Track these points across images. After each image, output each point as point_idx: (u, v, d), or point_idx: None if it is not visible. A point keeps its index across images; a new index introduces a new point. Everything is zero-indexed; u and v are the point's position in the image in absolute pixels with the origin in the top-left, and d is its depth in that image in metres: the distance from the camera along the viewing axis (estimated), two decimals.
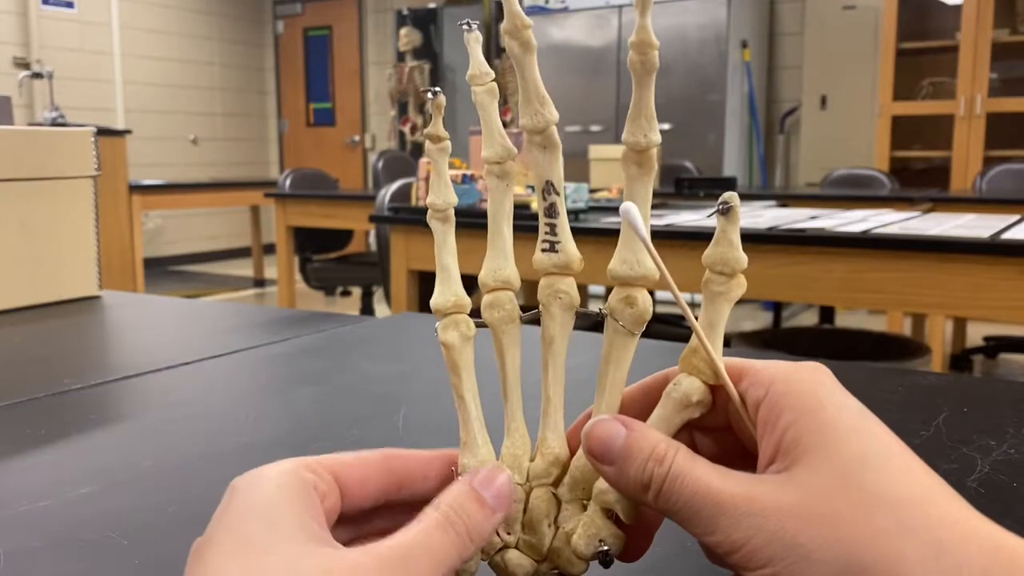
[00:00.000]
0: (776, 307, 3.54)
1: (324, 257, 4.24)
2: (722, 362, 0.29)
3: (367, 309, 4.26)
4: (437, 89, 0.32)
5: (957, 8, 4.51)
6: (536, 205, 0.32)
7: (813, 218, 1.94)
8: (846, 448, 0.25)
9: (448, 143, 0.32)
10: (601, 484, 0.29)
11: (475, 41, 0.31)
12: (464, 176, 1.99)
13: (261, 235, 5.96)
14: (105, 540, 0.38)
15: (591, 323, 0.34)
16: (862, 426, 0.26)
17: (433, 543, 0.26)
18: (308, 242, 4.12)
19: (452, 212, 0.32)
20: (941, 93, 4.68)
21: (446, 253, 0.32)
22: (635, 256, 0.30)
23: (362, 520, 0.30)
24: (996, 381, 2.05)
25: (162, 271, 6.74)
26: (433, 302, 0.32)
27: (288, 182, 4.27)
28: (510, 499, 0.29)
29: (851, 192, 3.46)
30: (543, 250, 0.31)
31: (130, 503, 0.43)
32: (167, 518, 0.41)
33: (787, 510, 0.24)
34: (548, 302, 0.31)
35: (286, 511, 0.26)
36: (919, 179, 4.66)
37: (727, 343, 2.40)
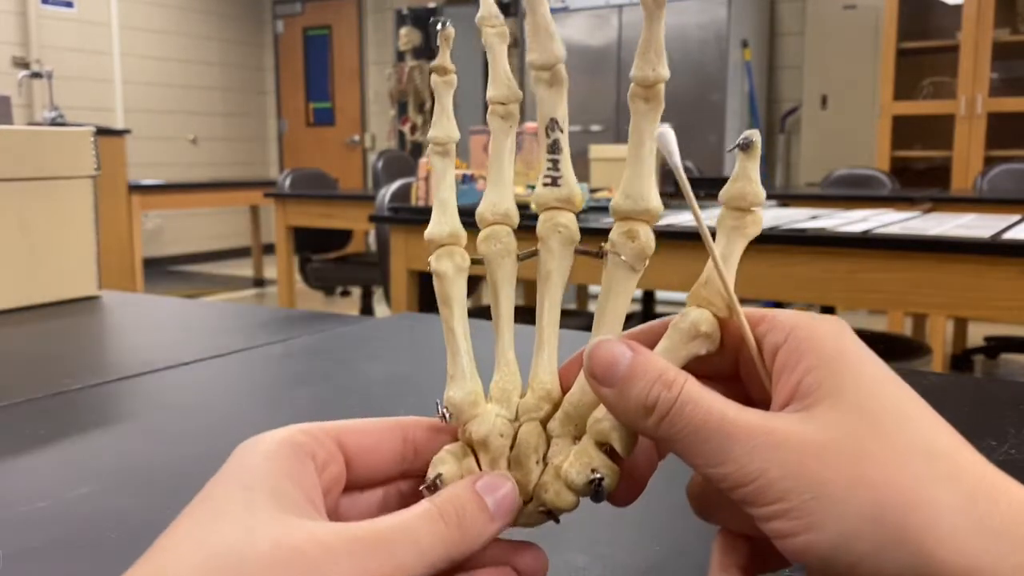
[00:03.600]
0: (777, 307, 3.54)
1: (324, 257, 4.25)
2: (735, 296, 0.27)
3: (367, 309, 4.26)
4: (446, 20, 0.31)
5: (958, 8, 4.50)
6: (542, 158, 0.31)
7: (814, 218, 1.94)
8: (873, 395, 0.24)
9: (454, 76, 0.32)
10: (597, 414, 0.28)
11: (445, 39, 0.31)
12: (464, 176, 1.98)
13: (261, 235, 5.96)
14: (105, 540, 0.38)
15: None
16: (886, 377, 0.25)
17: (420, 533, 0.25)
18: (308, 242, 4.12)
19: (453, 147, 0.32)
20: (942, 93, 4.68)
21: (444, 187, 0.31)
22: (639, 191, 0.30)
23: (388, 487, 0.29)
24: (997, 381, 2.05)
25: (162, 271, 6.74)
26: (428, 232, 0.31)
27: (288, 182, 4.27)
28: (513, 510, 0.28)
29: (852, 192, 3.46)
30: (545, 184, 0.31)
31: (130, 503, 0.43)
32: (167, 518, 0.40)
33: (809, 443, 0.23)
34: (547, 235, 0.31)
35: (264, 479, 0.25)
36: (920, 179, 4.65)
37: None
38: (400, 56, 6.95)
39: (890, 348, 2.03)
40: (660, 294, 3.48)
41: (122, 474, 0.47)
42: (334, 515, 0.27)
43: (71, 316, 0.91)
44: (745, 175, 0.28)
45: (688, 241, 1.73)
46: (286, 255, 3.98)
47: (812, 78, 5.06)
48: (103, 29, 6.55)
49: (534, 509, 0.29)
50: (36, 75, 5.15)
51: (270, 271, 5.87)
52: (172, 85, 7.10)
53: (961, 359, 3.36)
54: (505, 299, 0.31)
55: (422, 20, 6.76)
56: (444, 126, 0.32)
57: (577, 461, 0.28)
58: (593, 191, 2.53)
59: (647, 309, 3.34)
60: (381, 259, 2.49)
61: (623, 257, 0.30)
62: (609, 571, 0.32)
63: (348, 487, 0.28)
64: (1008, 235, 1.57)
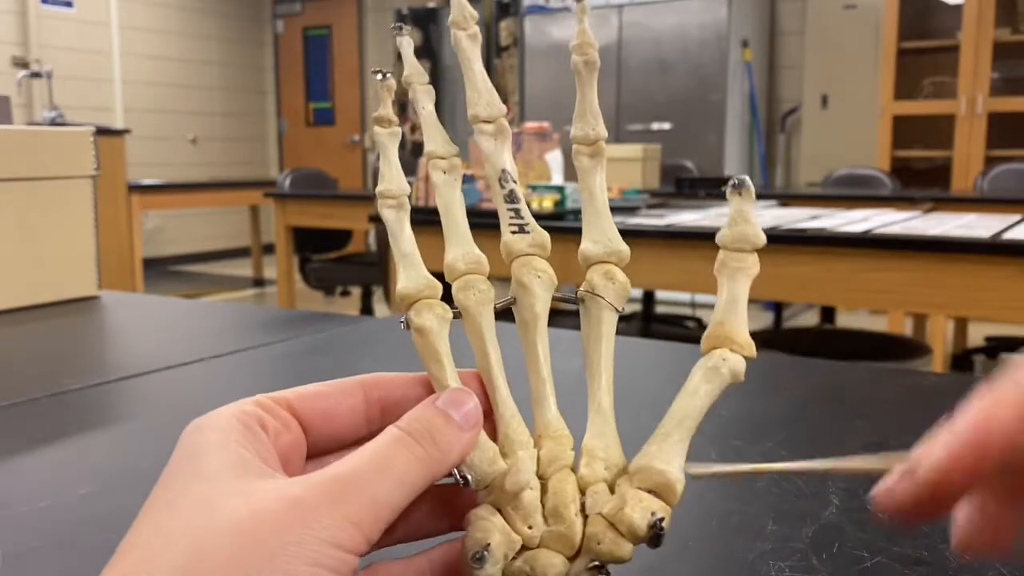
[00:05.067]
0: (777, 307, 3.54)
1: (324, 257, 4.24)
2: None
3: (367, 309, 4.26)
4: (387, 71, 0.31)
5: (958, 7, 4.50)
6: (498, 199, 0.31)
7: (814, 218, 1.94)
8: None
9: (399, 129, 0.32)
10: (641, 461, 0.27)
11: (407, 44, 0.32)
12: (464, 176, 1.99)
13: (260, 235, 5.96)
14: (104, 540, 0.38)
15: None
16: None
17: (393, 461, 0.23)
18: (307, 242, 4.12)
19: (406, 200, 0.31)
20: (942, 92, 4.68)
21: (404, 241, 0.30)
22: (605, 235, 0.30)
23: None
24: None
25: (161, 271, 6.74)
26: (400, 289, 0.29)
27: (288, 182, 4.27)
28: (479, 423, 0.26)
29: (852, 192, 3.46)
30: (513, 232, 0.30)
31: (130, 503, 0.42)
32: None
33: None
34: (528, 281, 0.30)
35: (216, 452, 0.23)
36: (920, 179, 4.65)
37: None
38: (400, 56, 6.95)
39: (890, 348, 2.03)
40: (660, 294, 3.48)
41: (122, 474, 0.47)
42: None
43: (71, 316, 0.91)
44: (744, 218, 0.29)
45: (688, 241, 1.73)
46: (286, 255, 3.98)
47: (812, 78, 5.06)
48: (103, 29, 6.55)
49: (582, 567, 0.27)
50: (36, 75, 5.15)
51: (270, 271, 5.87)
52: (172, 85, 7.10)
53: (962, 359, 3.36)
54: (493, 349, 0.29)
55: (422, 20, 6.75)
56: (394, 178, 0.31)
57: (638, 505, 0.26)
58: None
59: (647, 310, 3.34)
60: (381, 259, 2.49)
61: (607, 299, 0.30)
62: (610, 572, 0.32)
63: (312, 454, 0.27)
64: (1008, 235, 1.57)
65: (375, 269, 3.60)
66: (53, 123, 4.52)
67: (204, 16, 7.34)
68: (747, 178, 0.29)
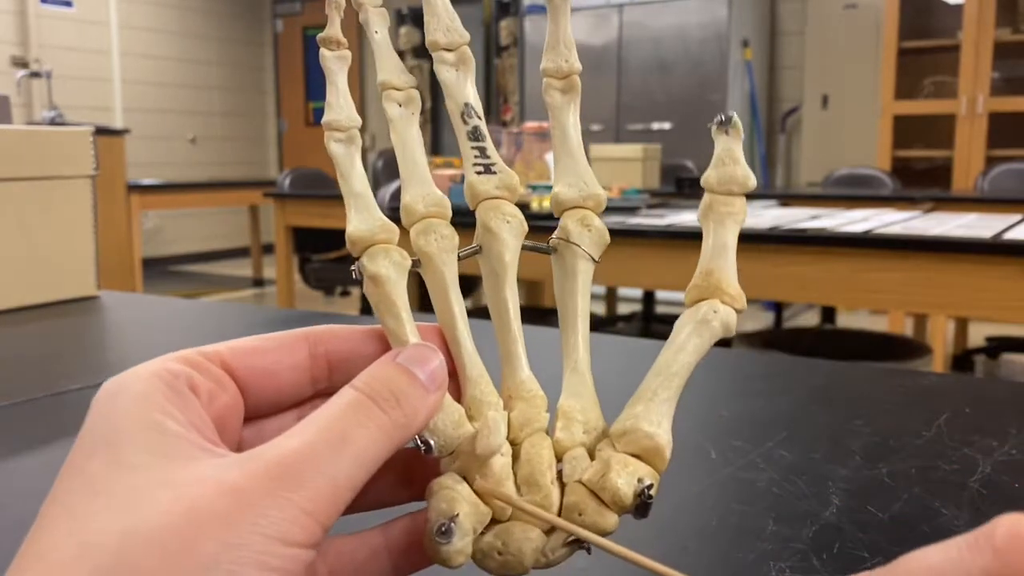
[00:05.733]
0: (777, 307, 3.54)
1: (323, 257, 4.24)
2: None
3: (367, 309, 4.25)
4: None
5: (959, 7, 4.50)
6: (461, 136, 0.27)
7: (815, 218, 1.94)
8: None
9: (348, 52, 0.28)
10: (627, 423, 0.25)
11: (336, 6, 0.29)
12: (464, 176, 1.98)
13: (260, 235, 5.96)
14: None
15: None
16: None
17: (352, 432, 0.20)
18: (307, 242, 4.11)
19: (356, 133, 0.28)
20: (943, 92, 4.68)
21: (355, 179, 0.27)
22: (580, 178, 0.28)
23: (303, 408, 0.25)
24: (998, 381, 2.04)
25: (161, 271, 6.74)
26: (351, 232, 0.26)
27: (287, 182, 4.27)
28: (445, 383, 0.23)
29: (853, 192, 3.46)
30: (478, 172, 0.27)
31: None
32: None
33: None
34: (496, 226, 0.26)
35: (136, 428, 0.19)
36: (921, 179, 4.65)
37: (728, 344, 2.39)
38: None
39: (891, 348, 2.03)
40: (660, 294, 3.48)
41: None
42: (237, 451, 0.21)
43: (70, 316, 0.91)
44: (731, 157, 0.27)
45: (689, 241, 1.73)
46: (285, 255, 3.98)
47: (813, 78, 5.06)
48: (102, 28, 6.55)
49: (560, 541, 0.24)
50: (35, 74, 5.15)
51: (269, 271, 5.87)
52: (171, 84, 7.10)
53: (962, 359, 3.35)
54: (457, 301, 0.26)
55: (422, 19, 6.74)
56: (343, 108, 0.28)
57: (623, 471, 0.24)
58: None
59: (647, 310, 3.34)
60: None
61: (583, 247, 0.27)
62: (610, 572, 0.32)
63: (249, 417, 0.24)
64: (1009, 235, 1.57)
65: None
66: (52, 123, 4.52)
67: (204, 16, 7.34)
68: (734, 114, 0.27)
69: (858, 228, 1.70)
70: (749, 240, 1.62)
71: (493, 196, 0.27)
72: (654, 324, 3.22)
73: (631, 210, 2.27)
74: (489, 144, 0.28)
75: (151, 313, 0.99)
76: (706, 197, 0.27)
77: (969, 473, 0.44)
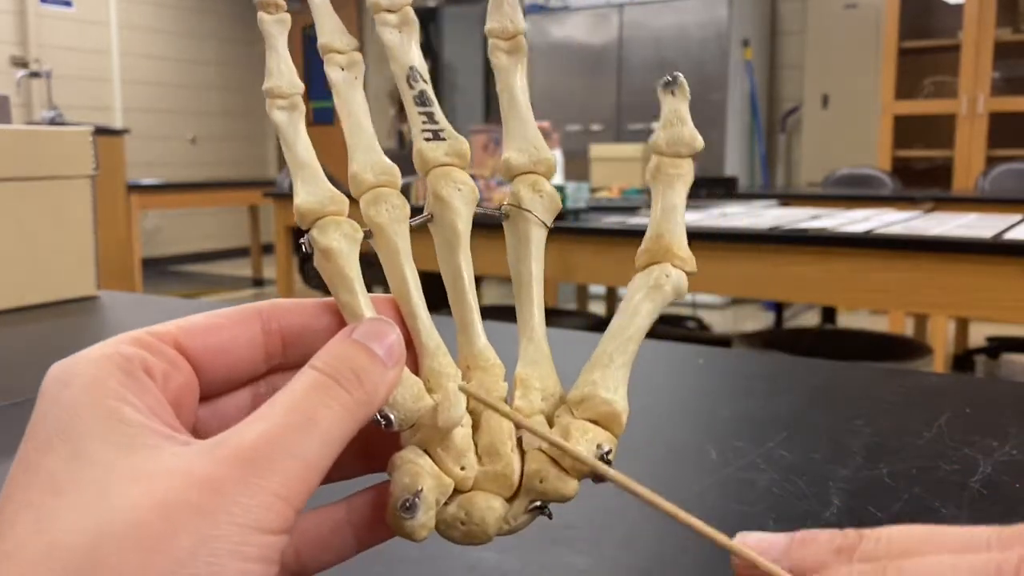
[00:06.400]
0: (778, 307, 3.54)
1: None
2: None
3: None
4: None
5: (959, 7, 4.50)
6: (407, 101, 0.27)
7: (815, 218, 1.94)
8: None
9: (287, 15, 0.27)
10: (584, 389, 0.25)
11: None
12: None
13: (260, 235, 5.96)
14: None
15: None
16: None
17: (317, 412, 0.20)
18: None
19: (299, 99, 0.26)
20: (943, 92, 4.68)
21: (300, 148, 0.26)
22: (530, 142, 0.27)
23: (258, 385, 0.24)
24: (998, 382, 2.04)
25: (160, 271, 6.74)
26: (300, 204, 0.25)
27: (287, 181, 4.27)
28: (404, 357, 0.23)
29: (853, 192, 3.46)
30: (427, 139, 0.26)
31: None
32: None
33: None
34: (447, 194, 0.26)
35: (92, 417, 0.19)
36: (921, 179, 4.65)
37: (727, 344, 2.39)
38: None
39: (891, 348, 2.02)
40: None
41: None
42: (194, 434, 0.21)
43: (69, 316, 0.91)
44: (679, 119, 0.27)
45: (689, 241, 1.72)
46: (285, 255, 3.98)
47: (813, 77, 5.06)
48: (102, 28, 6.55)
49: (522, 508, 0.24)
50: (35, 74, 5.15)
51: (269, 271, 5.87)
52: (171, 84, 7.10)
53: (963, 359, 3.35)
54: (411, 271, 0.26)
55: (423, 19, 6.75)
56: (284, 74, 0.26)
57: (583, 437, 0.24)
58: (594, 191, 2.53)
59: None
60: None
61: (535, 213, 0.27)
62: (611, 572, 0.32)
63: (204, 396, 0.23)
64: (1010, 235, 1.57)
65: (375, 269, 3.60)
66: (52, 123, 4.51)
67: (203, 15, 7.34)
68: (680, 75, 0.27)
69: (858, 228, 1.70)
70: (749, 240, 1.62)
71: (443, 163, 0.26)
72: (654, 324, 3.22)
73: (631, 210, 2.26)
74: (437, 109, 0.27)
75: (151, 313, 0.99)
76: (654, 159, 0.27)
77: (969, 473, 0.44)
